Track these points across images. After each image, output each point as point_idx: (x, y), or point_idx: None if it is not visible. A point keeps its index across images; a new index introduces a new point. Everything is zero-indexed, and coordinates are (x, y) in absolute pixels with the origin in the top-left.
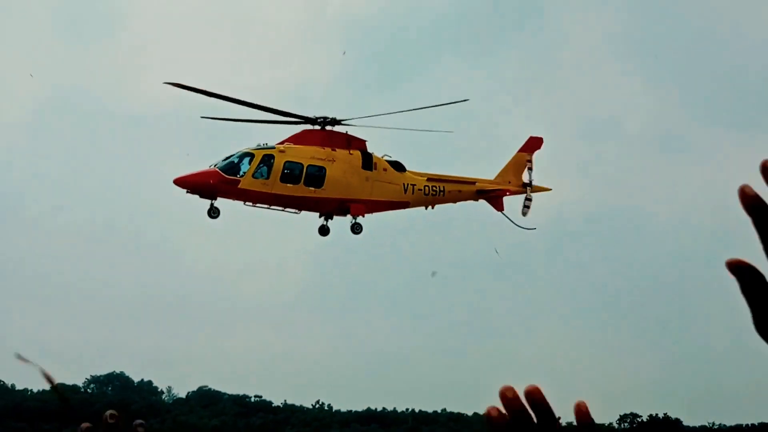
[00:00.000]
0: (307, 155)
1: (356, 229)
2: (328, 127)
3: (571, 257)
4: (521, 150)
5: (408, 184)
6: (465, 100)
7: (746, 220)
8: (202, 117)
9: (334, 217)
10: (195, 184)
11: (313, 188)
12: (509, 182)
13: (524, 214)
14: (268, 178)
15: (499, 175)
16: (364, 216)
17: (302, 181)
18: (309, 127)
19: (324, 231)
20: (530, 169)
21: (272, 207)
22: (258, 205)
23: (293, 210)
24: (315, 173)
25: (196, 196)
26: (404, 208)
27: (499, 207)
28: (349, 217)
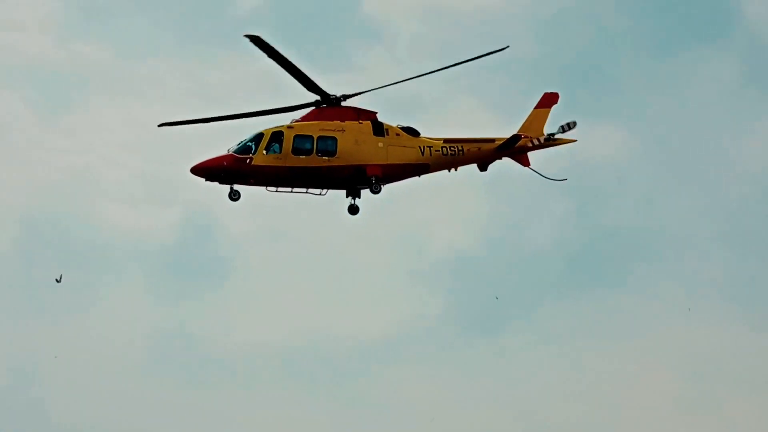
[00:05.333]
0: (316, 128)
1: (375, 189)
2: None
3: None
4: (537, 107)
5: (424, 147)
6: (505, 47)
7: None
8: (159, 125)
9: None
10: (210, 168)
11: (326, 157)
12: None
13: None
14: (280, 152)
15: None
16: (381, 175)
17: (314, 151)
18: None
19: (353, 210)
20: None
21: (294, 190)
22: (280, 189)
23: (317, 191)
24: (326, 143)
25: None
26: (425, 172)
27: (525, 162)
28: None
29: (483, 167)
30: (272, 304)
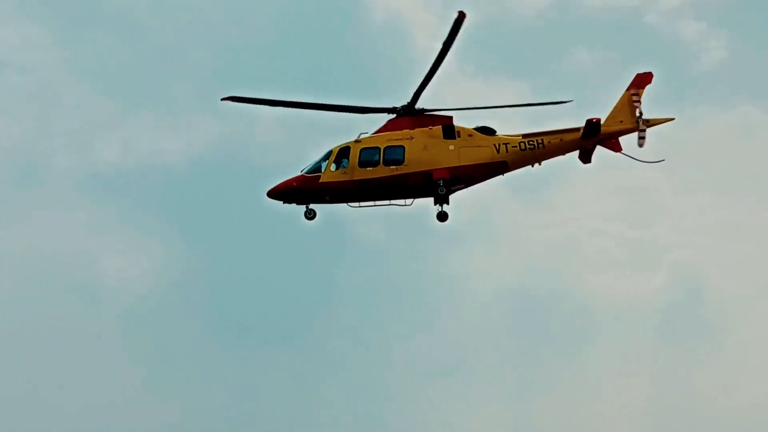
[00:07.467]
0: (384, 139)
1: (441, 191)
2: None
3: None
4: (629, 88)
5: (500, 144)
6: (569, 101)
7: None
8: (222, 99)
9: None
10: (283, 190)
11: (393, 166)
12: (621, 122)
13: (640, 145)
14: (347, 167)
15: (608, 119)
16: (448, 178)
17: (381, 162)
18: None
19: (442, 217)
20: (638, 102)
21: (377, 203)
22: (363, 204)
23: (401, 202)
24: (393, 152)
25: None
26: (504, 170)
27: (616, 148)
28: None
29: (585, 159)
30: None
